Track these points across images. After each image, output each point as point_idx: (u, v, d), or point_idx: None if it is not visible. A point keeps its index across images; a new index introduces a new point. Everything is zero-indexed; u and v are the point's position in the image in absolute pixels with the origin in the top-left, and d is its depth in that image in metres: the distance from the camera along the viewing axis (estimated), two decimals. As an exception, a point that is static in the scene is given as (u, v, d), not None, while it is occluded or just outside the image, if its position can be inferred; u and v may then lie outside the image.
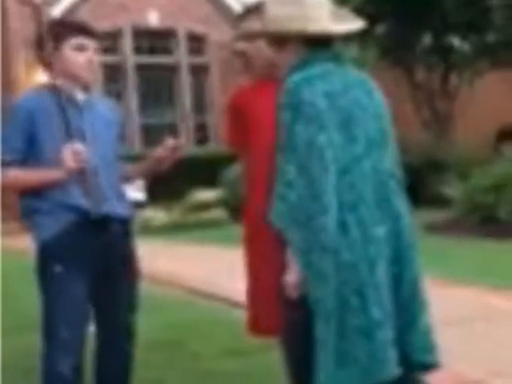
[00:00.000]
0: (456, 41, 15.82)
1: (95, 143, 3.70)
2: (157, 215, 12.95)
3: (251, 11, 3.74)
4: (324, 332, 2.89)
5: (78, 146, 3.59)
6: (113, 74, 17.22)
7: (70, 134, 3.64)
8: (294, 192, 2.89)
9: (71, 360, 3.65)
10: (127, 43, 17.45)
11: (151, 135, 17.23)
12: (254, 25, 3.43)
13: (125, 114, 16.99)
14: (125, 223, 3.82)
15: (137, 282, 3.89)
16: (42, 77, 13.18)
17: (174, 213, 13.38)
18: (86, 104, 3.75)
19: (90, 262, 3.67)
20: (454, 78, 15.63)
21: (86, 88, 3.78)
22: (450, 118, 15.59)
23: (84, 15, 16.42)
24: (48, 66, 3.75)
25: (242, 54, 3.86)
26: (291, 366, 3.16)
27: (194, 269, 8.94)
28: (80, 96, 3.75)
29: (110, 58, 17.18)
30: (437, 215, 11.07)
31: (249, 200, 3.86)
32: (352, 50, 14.22)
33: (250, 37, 3.72)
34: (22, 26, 14.00)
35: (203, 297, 7.48)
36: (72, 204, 3.64)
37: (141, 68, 17.62)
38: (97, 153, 3.68)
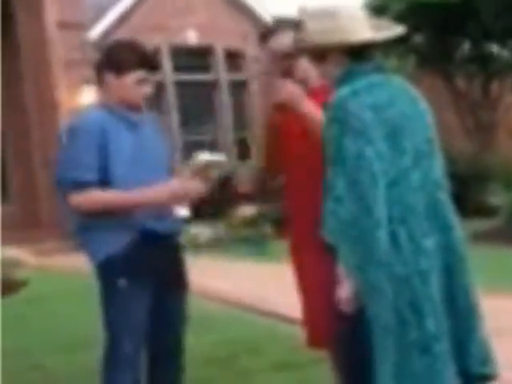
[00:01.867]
0: (495, 48, 15.72)
1: (150, 162, 3.74)
2: (202, 231, 12.99)
3: (279, 28, 3.77)
4: (382, 347, 2.89)
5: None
6: (153, 93, 17.35)
7: (128, 150, 3.68)
8: (344, 207, 2.89)
9: (132, 375, 3.69)
10: (166, 62, 17.56)
11: (193, 152, 17.31)
12: (289, 42, 3.46)
13: (166, 131, 17.11)
14: (176, 237, 3.88)
15: (187, 295, 3.94)
16: (85, 98, 13.33)
17: (219, 229, 13.41)
18: (140, 124, 3.79)
19: (152, 277, 3.70)
20: (495, 86, 15.51)
21: (137, 108, 3.81)
22: (493, 127, 15.47)
23: (123, 35, 16.56)
24: (104, 86, 3.79)
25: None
26: (346, 381, 3.16)
27: (241, 284, 8.94)
28: (133, 116, 3.78)
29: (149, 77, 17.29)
30: (482, 224, 10.99)
31: (293, 214, 3.86)
32: (391, 60, 14.19)
33: (287, 56, 3.71)
34: (63, 48, 14.16)
35: (252, 312, 7.47)
36: (134, 222, 3.66)
37: (180, 86, 17.72)
38: (154, 169, 3.72)
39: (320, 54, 3.12)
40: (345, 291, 2.95)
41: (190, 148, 17.46)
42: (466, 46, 15.67)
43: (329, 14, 3.06)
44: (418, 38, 15.22)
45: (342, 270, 2.95)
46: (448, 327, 2.98)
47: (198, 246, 12.35)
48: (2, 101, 15.04)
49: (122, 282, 3.64)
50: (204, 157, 3.71)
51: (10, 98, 15.00)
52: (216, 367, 5.63)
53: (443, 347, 2.94)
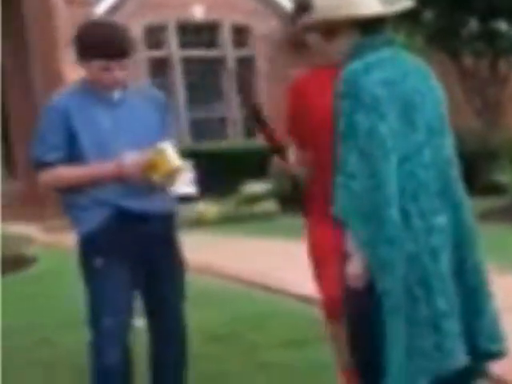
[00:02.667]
0: (503, 25, 15.58)
1: (131, 139, 3.72)
2: (209, 208, 12.99)
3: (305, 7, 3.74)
4: (392, 324, 2.88)
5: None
6: (159, 69, 17.29)
7: (100, 127, 3.70)
8: (356, 183, 2.86)
9: (117, 350, 3.73)
10: (172, 37, 17.50)
11: (200, 129, 17.28)
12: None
13: (173, 108, 17.04)
14: (165, 218, 3.85)
15: (183, 273, 3.93)
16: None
17: (226, 206, 13.41)
18: (120, 101, 3.77)
19: (130, 255, 3.73)
20: (502, 64, 15.40)
21: (123, 85, 3.78)
22: (501, 105, 15.38)
23: (129, 11, 16.51)
24: None
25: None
26: (358, 357, 3.15)
27: (247, 261, 8.93)
28: (116, 94, 3.76)
29: (155, 53, 17.27)
30: (490, 203, 10.96)
31: (313, 188, 3.86)
32: (399, 36, 14.10)
33: (306, 31, 3.68)
34: (68, 24, 14.11)
35: (258, 288, 7.46)
36: (108, 200, 3.71)
37: (187, 62, 17.66)
38: (133, 148, 3.68)
39: (329, 29, 3.09)
40: (354, 267, 2.94)
41: (198, 125, 17.46)
42: (473, 23, 15.54)
43: None
44: (427, 15, 15.11)
45: (351, 245, 2.94)
46: (458, 304, 2.97)
47: (205, 223, 12.37)
48: (10, 77, 15.02)
49: (97, 259, 3.71)
50: (163, 146, 3.65)
51: (17, 74, 14.98)
52: (221, 344, 5.64)
53: (453, 324, 2.93)
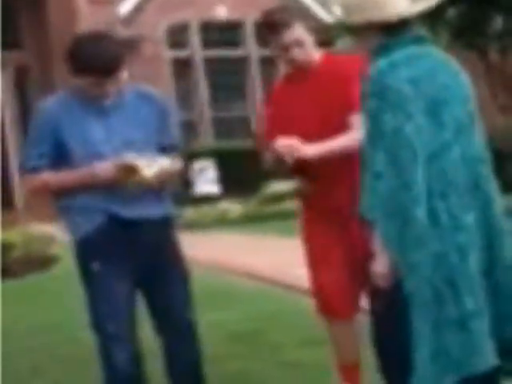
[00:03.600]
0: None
1: (125, 146, 3.67)
2: (232, 207, 13.00)
3: (292, 20, 3.75)
4: (419, 323, 2.85)
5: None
6: (182, 69, 17.31)
7: (92, 137, 3.67)
8: (382, 182, 2.84)
9: (125, 353, 3.73)
10: (195, 37, 17.51)
11: (223, 128, 17.27)
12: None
13: (196, 107, 17.06)
14: (159, 222, 3.81)
15: (187, 278, 3.89)
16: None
17: (250, 204, 13.41)
18: (114, 107, 3.73)
19: (127, 260, 3.72)
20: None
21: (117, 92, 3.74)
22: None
23: (152, 11, 16.54)
24: None
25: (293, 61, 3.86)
26: (384, 355, 3.13)
27: (271, 260, 8.93)
28: (109, 101, 3.72)
29: (178, 53, 17.29)
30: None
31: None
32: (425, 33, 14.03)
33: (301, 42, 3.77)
34: (92, 24, 14.17)
35: (281, 287, 7.47)
36: (99, 207, 3.70)
37: (210, 61, 17.67)
38: (128, 153, 3.63)
39: (358, 29, 3.05)
40: (381, 266, 2.92)
41: (221, 124, 17.45)
42: (498, 20, 15.43)
43: None
44: (451, 12, 15.03)
45: (378, 244, 2.92)
46: (488, 303, 2.94)
47: (228, 222, 12.38)
48: (34, 79, 15.13)
49: (93, 263, 3.71)
50: (129, 158, 3.60)
51: (41, 75, 15.06)
52: (242, 343, 5.63)
53: (481, 324, 2.89)
